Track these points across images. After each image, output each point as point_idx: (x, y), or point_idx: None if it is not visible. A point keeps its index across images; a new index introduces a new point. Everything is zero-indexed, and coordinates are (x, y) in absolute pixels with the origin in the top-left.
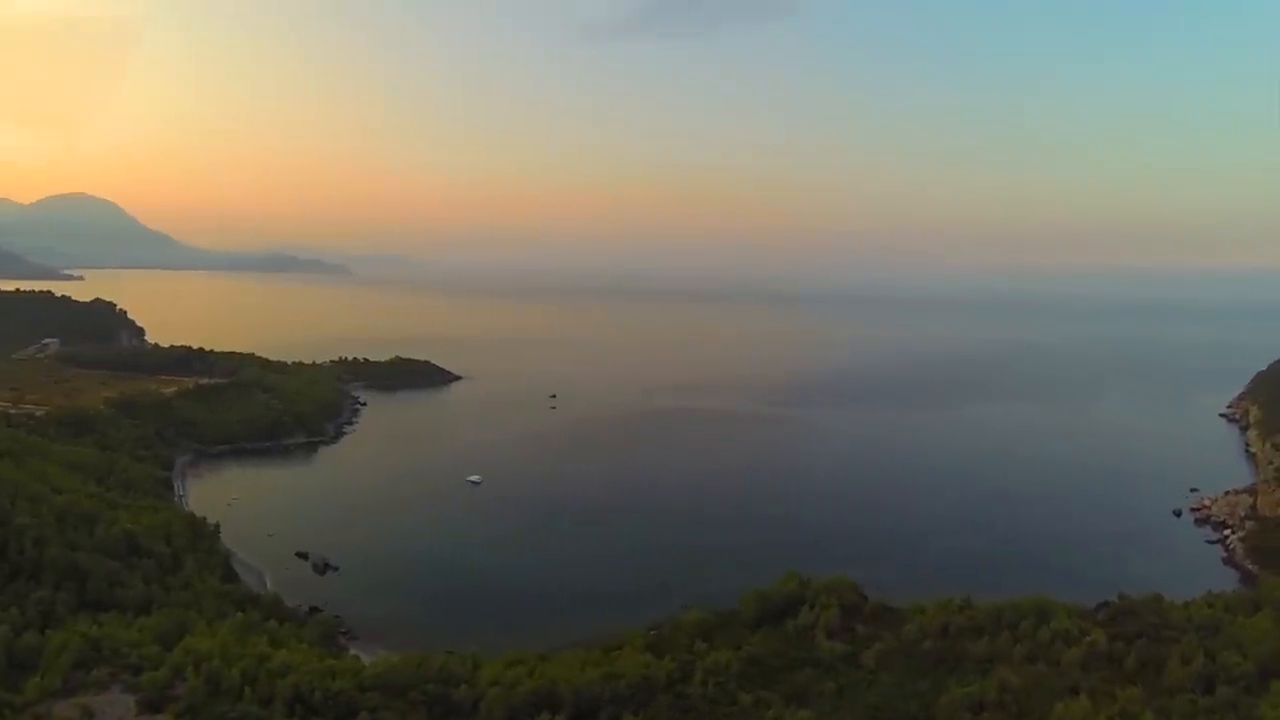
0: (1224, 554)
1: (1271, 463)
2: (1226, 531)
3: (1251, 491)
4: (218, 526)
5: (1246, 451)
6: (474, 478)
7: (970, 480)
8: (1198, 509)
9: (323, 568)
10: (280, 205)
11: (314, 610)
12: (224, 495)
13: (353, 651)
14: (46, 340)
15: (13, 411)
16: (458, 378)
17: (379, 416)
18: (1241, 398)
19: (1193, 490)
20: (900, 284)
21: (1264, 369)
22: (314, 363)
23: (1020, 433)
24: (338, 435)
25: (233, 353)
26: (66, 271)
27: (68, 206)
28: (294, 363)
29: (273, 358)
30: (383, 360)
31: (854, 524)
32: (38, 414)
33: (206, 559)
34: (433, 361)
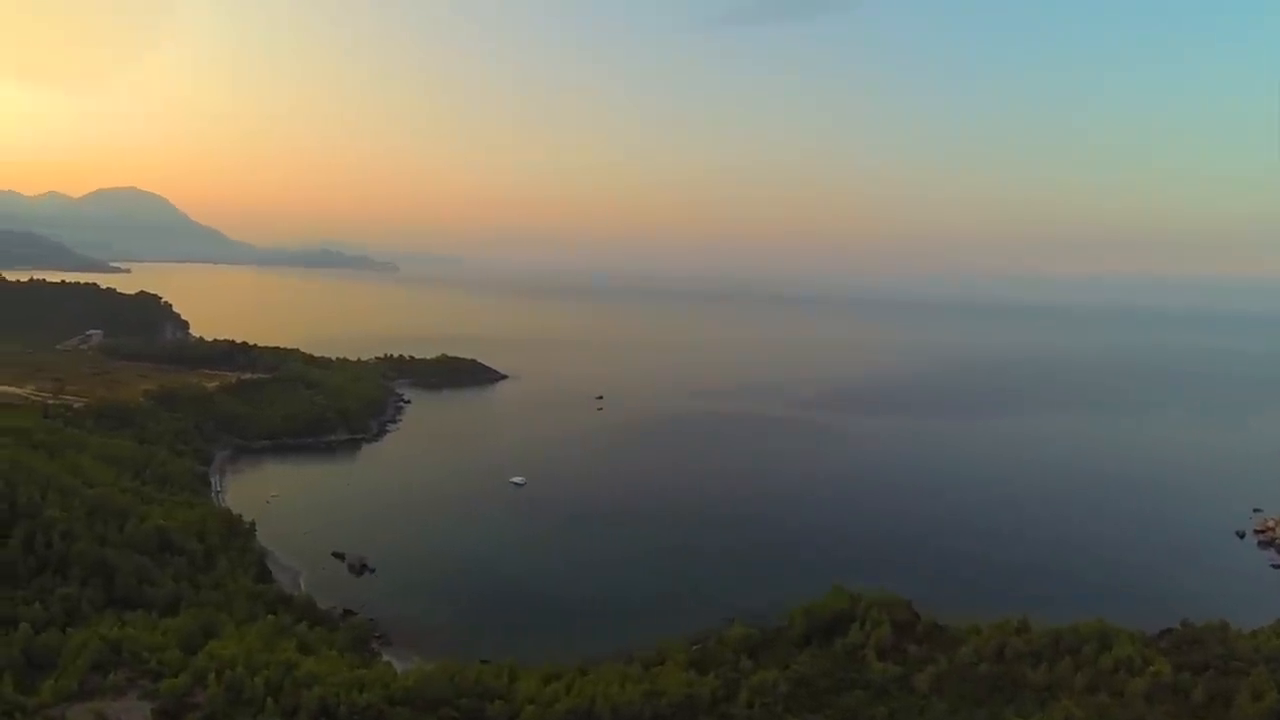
0: None
1: None
2: None
3: None
4: (253, 524)
5: None
6: (517, 479)
7: (1016, 492)
8: (1262, 530)
9: (359, 569)
10: (329, 202)
11: (348, 613)
12: (263, 492)
13: (385, 658)
14: (90, 332)
15: (51, 402)
16: (503, 377)
17: (423, 414)
18: None
19: (1256, 511)
20: (926, 289)
21: None
22: (359, 359)
23: (1067, 444)
24: (381, 433)
25: (277, 348)
26: (114, 264)
27: (117, 200)
28: (338, 359)
29: (317, 354)
30: (428, 358)
31: (897, 534)
32: (76, 405)
33: (240, 557)
34: (479, 360)
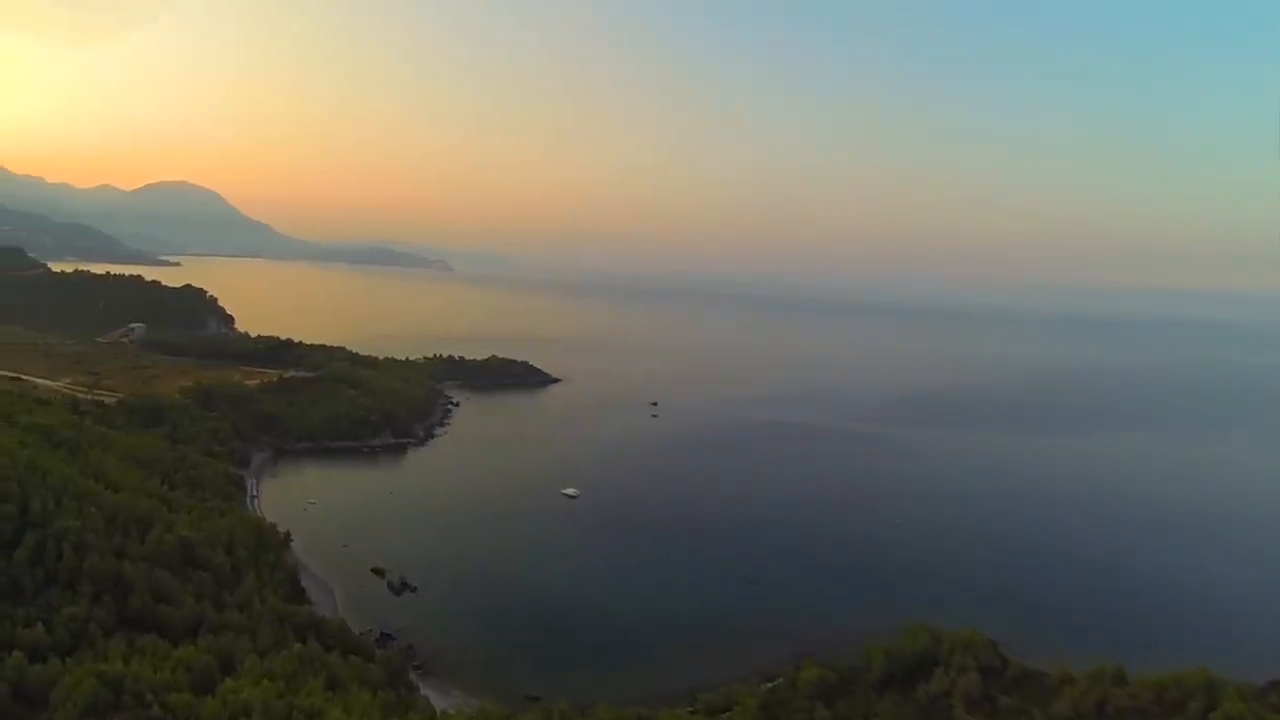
0: None
1: None
2: None
3: None
4: (288, 535)
5: None
6: (570, 491)
7: (1097, 517)
8: None
9: (399, 587)
10: (381, 199)
11: (385, 637)
12: (300, 497)
13: (424, 690)
14: (132, 325)
15: (82, 396)
16: (555, 380)
17: (472, 418)
18: None
19: None
20: (975, 299)
21: None
22: (407, 359)
23: (1150, 466)
24: (427, 437)
25: (322, 345)
26: (164, 257)
27: (169, 194)
28: (385, 358)
29: (365, 352)
30: (478, 359)
31: (972, 559)
32: (108, 401)
33: (270, 574)
34: (530, 363)
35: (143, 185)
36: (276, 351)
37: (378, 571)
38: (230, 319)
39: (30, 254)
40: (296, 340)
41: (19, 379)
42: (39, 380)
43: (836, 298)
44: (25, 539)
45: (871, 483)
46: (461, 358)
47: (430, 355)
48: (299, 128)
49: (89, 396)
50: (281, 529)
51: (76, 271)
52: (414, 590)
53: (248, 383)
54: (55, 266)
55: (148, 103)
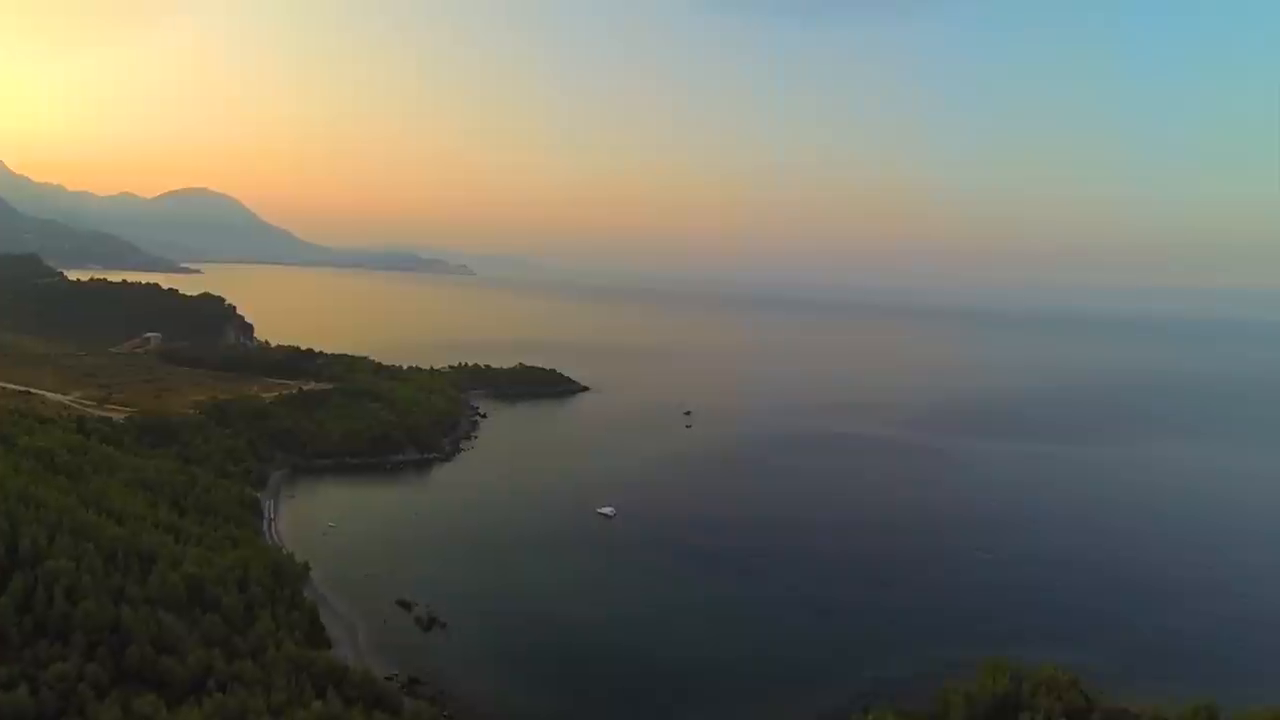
0: None
1: None
2: None
3: None
4: (306, 567)
5: None
6: (606, 509)
7: (1183, 538)
8: None
9: (428, 622)
10: (400, 204)
11: (414, 682)
12: (320, 520)
13: None
14: (148, 334)
15: (93, 411)
16: (584, 388)
17: (500, 431)
18: None
19: None
20: (1031, 301)
21: None
22: (431, 368)
23: (1251, 487)
24: (454, 452)
25: (344, 355)
26: (185, 265)
27: (189, 201)
28: (409, 367)
29: (388, 361)
30: (505, 367)
31: (1044, 584)
32: (117, 419)
33: (286, 613)
34: (558, 370)
35: (163, 193)
36: (296, 362)
37: (404, 604)
38: (249, 328)
39: (49, 261)
40: (317, 350)
41: (28, 392)
42: (48, 394)
43: (885, 301)
44: (12, 582)
45: (934, 500)
46: (487, 366)
47: (455, 364)
48: (317, 134)
49: (98, 412)
50: (300, 557)
51: (93, 280)
52: (443, 626)
53: (264, 396)
54: (74, 274)
55: (166, 110)
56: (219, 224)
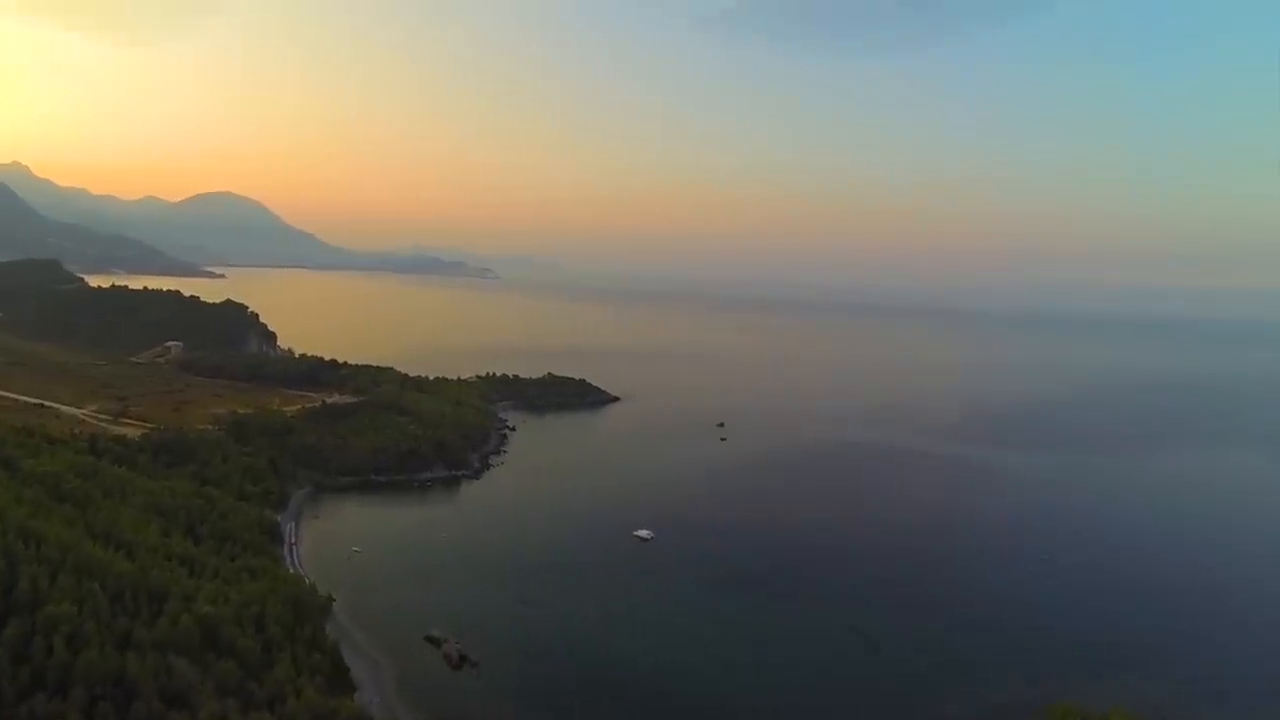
0: None
1: None
2: None
3: None
4: (329, 599)
5: None
6: (643, 532)
7: (1245, 558)
8: None
9: (457, 660)
10: (426, 208)
11: None
12: (344, 544)
13: None
14: (169, 343)
15: (108, 427)
16: (615, 398)
17: (529, 445)
18: None
19: None
20: (1060, 304)
21: None
22: (459, 378)
23: None
24: (483, 468)
25: (368, 365)
26: (209, 269)
27: (213, 205)
28: (436, 378)
29: (414, 371)
30: (533, 377)
31: (1102, 611)
32: (131, 436)
33: (307, 655)
34: (587, 380)
35: (187, 196)
36: (319, 373)
37: (432, 640)
38: (272, 336)
39: (71, 266)
40: (341, 360)
41: (42, 405)
42: (63, 408)
43: (920, 304)
44: (8, 629)
45: (979, 514)
46: (516, 376)
47: (483, 374)
48: (339, 137)
49: (113, 427)
50: (322, 586)
51: (114, 287)
52: (474, 665)
53: (286, 409)
54: (96, 279)
55: (191, 114)
56: (243, 227)
